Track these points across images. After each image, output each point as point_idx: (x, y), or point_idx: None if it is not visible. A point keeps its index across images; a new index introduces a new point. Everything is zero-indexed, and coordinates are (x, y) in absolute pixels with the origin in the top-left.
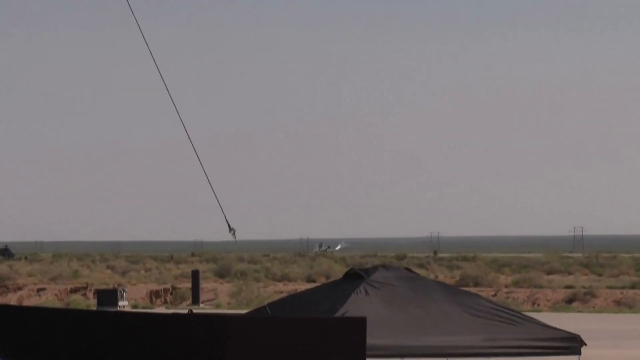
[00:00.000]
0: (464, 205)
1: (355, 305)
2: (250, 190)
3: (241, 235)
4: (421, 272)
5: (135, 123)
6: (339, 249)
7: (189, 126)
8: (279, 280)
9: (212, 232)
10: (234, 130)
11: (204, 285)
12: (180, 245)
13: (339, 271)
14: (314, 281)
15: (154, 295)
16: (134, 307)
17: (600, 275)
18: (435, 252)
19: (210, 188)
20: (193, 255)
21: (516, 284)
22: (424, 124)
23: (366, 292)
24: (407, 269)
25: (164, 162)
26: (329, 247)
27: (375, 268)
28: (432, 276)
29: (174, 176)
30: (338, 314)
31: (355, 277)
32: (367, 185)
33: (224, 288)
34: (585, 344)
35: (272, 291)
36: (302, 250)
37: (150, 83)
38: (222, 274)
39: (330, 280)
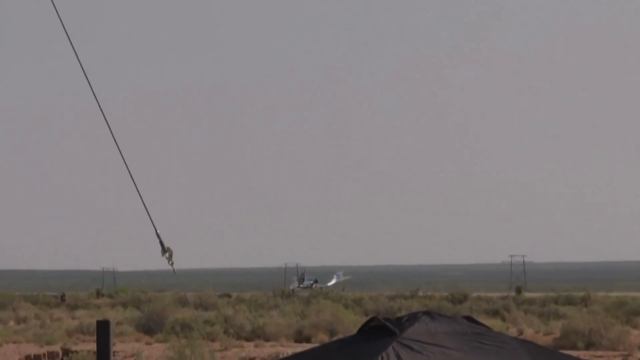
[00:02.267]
0: (564, 215)
1: None
2: (201, 194)
3: (182, 262)
4: (494, 323)
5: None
6: (335, 285)
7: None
8: (249, 339)
9: (132, 256)
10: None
11: (118, 346)
12: (79, 277)
13: (350, 322)
14: (307, 340)
15: None
16: None
17: None
18: (518, 290)
19: (132, 182)
20: (100, 295)
21: None
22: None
23: (398, 357)
24: (469, 318)
25: (59, 141)
26: (315, 282)
27: (414, 317)
28: (513, 331)
29: (75, 173)
30: None
31: (380, 331)
32: (394, 186)
33: (154, 352)
34: None
35: (237, 358)
36: (287, 287)
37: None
38: (150, 328)
39: (337, 337)
